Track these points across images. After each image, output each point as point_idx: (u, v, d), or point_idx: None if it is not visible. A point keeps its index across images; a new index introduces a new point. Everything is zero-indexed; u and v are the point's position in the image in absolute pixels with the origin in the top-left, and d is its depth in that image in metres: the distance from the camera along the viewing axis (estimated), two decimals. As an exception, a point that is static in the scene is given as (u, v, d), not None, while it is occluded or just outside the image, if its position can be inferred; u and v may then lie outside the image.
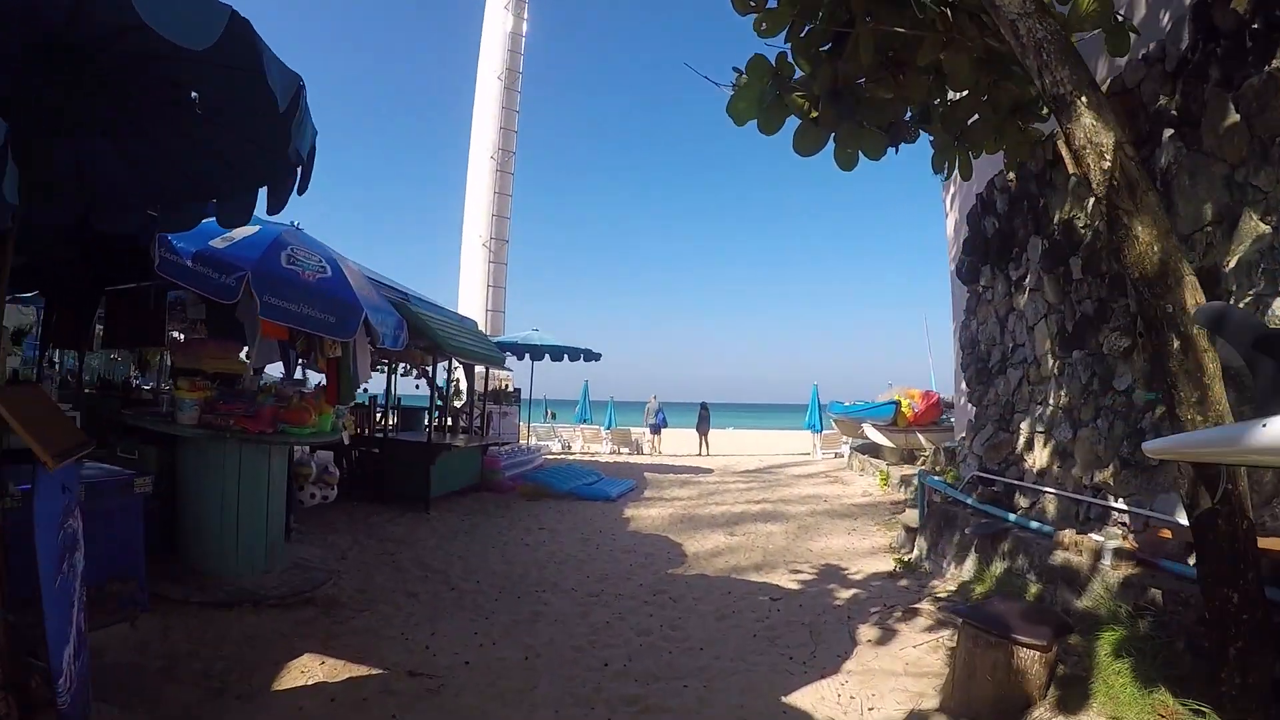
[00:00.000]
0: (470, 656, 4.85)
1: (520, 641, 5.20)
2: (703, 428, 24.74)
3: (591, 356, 16.75)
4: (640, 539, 9.15)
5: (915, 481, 11.36)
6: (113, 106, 3.86)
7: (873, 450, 16.57)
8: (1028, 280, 7.46)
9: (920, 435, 14.32)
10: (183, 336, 8.18)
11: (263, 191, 4.10)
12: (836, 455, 21.64)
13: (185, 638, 4.68)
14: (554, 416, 27.47)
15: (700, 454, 23.80)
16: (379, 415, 12.99)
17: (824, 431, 22.79)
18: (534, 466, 13.87)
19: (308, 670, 4.45)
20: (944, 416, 14.72)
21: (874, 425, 14.83)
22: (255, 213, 4.44)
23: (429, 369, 11.69)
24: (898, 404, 14.21)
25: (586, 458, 20.21)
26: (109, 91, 3.69)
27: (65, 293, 8.32)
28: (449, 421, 14.10)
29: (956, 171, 5.34)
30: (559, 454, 21.69)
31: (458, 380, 13.59)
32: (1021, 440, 7.59)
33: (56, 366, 10.06)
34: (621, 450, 23.06)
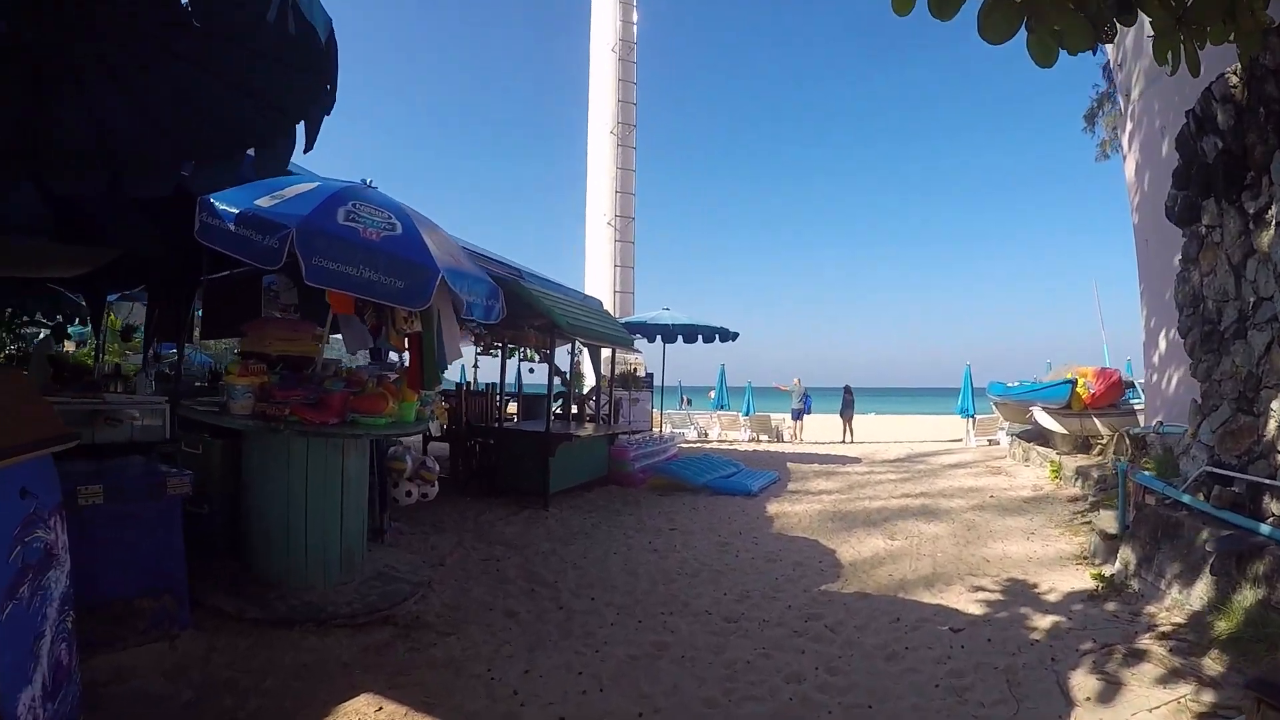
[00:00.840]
0: (568, 710, 3.75)
1: (636, 688, 4.07)
2: (847, 413, 23.17)
3: (728, 336, 15.50)
4: (786, 543, 7.88)
5: (1095, 475, 9.74)
6: (106, 40, 3.49)
7: (1038, 437, 14.65)
8: (1272, 212, 5.65)
9: (1097, 420, 12.40)
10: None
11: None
12: (991, 442, 19.98)
13: (228, 662, 3.95)
14: (689, 403, 26.36)
15: (844, 441, 22.34)
16: (498, 403, 12.20)
17: (977, 416, 20.61)
18: (667, 457, 12.74)
19: (361, 717, 3.49)
20: (1125, 397, 12.68)
21: (1044, 409, 12.90)
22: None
23: (549, 352, 10.67)
24: (1073, 384, 12.23)
25: (724, 446, 18.95)
26: (99, 22, 3.35)
27: (164, 284, 8.16)
28: (573, 410, 13.15)
29: (1133, 102, 3.78)
30: (695, 442, 20.54)
31: (580, 365, 12.57)
32: (1273, 425, 5.78)
33: (163, 360, 9.66)
34: (761, 438, 21.73)
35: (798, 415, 22.73)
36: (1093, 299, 17.47)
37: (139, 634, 3.90)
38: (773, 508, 9.81)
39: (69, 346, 12.79)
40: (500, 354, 12.13)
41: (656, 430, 15.11)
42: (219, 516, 5.39)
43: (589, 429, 11.29)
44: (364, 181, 5.66)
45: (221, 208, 4.43)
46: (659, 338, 15.61)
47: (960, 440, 22.07)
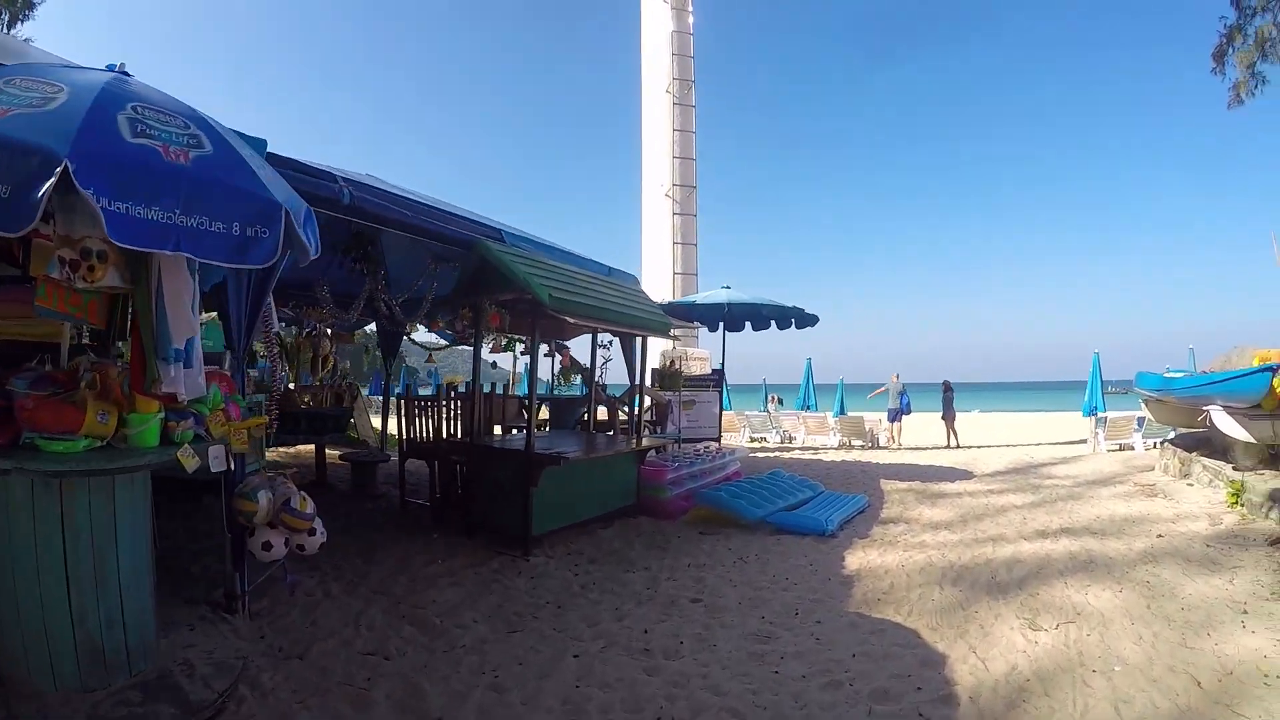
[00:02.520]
0: None
1: None
2: (948, 414, 19.74)
3: (806, 320, 12.36)
4: (866, 636, 4.93)
5: None
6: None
7: (1201, 445, 11.08)
8: None
9: None
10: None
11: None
12: (1123, 447, 16.78)
13: None
14: (780, 403, 23.36)
15: (948, 445, 19.20)
16: (512, 407, 9.58)
17: (1108, 415, 16.99)
18: (722, 477, 9.89)
19: None
20: None
21: (1226, 407, 9.33)
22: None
23: (530, 338, 7.87)
24: (1273, 371, 8.62)
25: (807, 456, 15.90)
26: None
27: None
28: (598, 416, 10.38)
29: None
30: (774, 450, 17.54)
31: (607, 358, 9.77)
32: None
33: None
34: (853, 443, 18.60)
35: (894, 416, 19.39)
36: (1271, 257, 13.13)
37: None
38: (855, 558, 6.86)
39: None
40: (511, 347, 9.52)
41: (711, 445, 12.04)
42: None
43: (606, 444, 8.52)
44: (114, 68, 3.42)
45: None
46: (721, 325, 12.78)
47: (1084, 442, 18.95)
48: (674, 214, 15.67)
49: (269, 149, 4.21)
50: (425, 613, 5.09)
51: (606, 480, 8.03)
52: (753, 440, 19.96)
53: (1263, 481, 8.53)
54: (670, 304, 10.91)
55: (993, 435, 23.41)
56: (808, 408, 21.56)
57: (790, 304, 11.53)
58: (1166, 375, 11.65)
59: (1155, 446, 16.28)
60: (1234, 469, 9.44)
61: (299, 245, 3.36)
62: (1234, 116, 11.92)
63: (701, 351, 13.95)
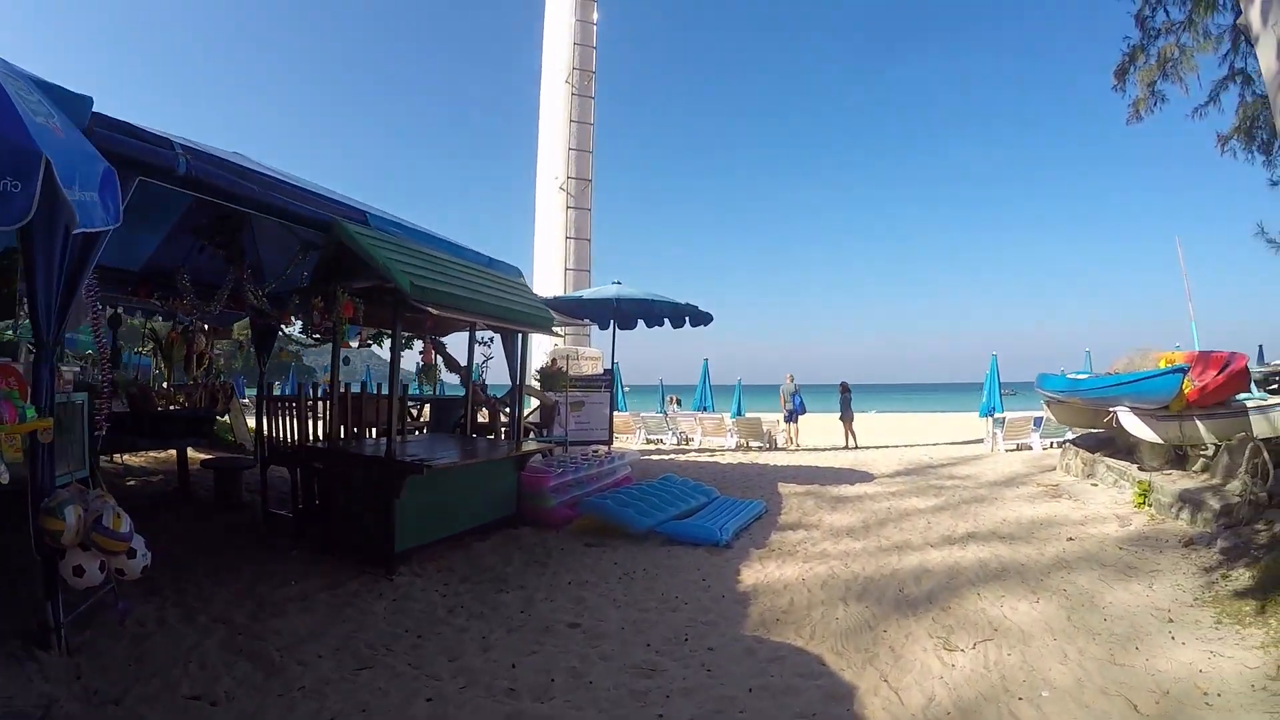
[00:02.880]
0: None
1: None
2: (846, 414, 19.75)
3: (700, 319, 11.90)
4: (765, 665, 4.40)
5: (1215, 504, 7.22)
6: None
7: (1104, 445, 11.15)
8: None
9: (1200, 424, 8.92)
10: None
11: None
12: (1020, 447, 16.83)
13: None
14: (679, 403, 23.01)
15: (847, 446, 19.08)
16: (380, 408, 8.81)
17: (1007, 416, 17.30)
18: (611, 482, 9.33)
19: None
20: (1262, 392, 9.22)
21: (1134, 409, 9.38)
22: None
23: (393, 333, 7.12)
24: (1184, 373, 8.66)
25: (705, 458, 15.52)
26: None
27: None
28: (478, 419, 9.70)
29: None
30: (671, 451, 17.11)
31: (487, 355, 9.07)
32: None
33: None
34: (751, 445, 18.30)
35: (791, 417, 19.23)
36: (1176, 263, 13.19)
37: None
38: (752, 572, 6.36)
39: None
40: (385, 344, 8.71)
41: (600, 448, 11.44)
42: None
43: (484, 449, 7.88)
44: None
45: None
46: (613, 323, 12.24)
47: (982, 442, 19.16)
48: (567, 207, 15.05)
49: (96, 108, 3.71)
50: (266, 645, 4.38)
51: (483, 489, 7.36)
52: (649, 442, 19.51)
53: (1170, 482, 8.46)
54: (556, 299, 10.24)
55: (891, 435, 23.55)
56: (705, 409, 21.26)
57: (683, 301, 11.01)
58: (1071, 377, 11.64)
59: (1053, 446, 16.52)
60: (1139, 469, 9.39)
61: (74, 208, 2.70)
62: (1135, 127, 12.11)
63: (593, 351, 13.39)
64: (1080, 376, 11.31)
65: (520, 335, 8.43)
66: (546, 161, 15.80)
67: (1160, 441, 9.24)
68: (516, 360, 8.65)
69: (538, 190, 15.81)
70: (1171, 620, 4.97)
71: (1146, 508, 8.38)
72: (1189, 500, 7.68)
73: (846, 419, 19.65)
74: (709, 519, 7.79)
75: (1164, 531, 7.44)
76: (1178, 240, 12.97)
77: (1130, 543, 7.13)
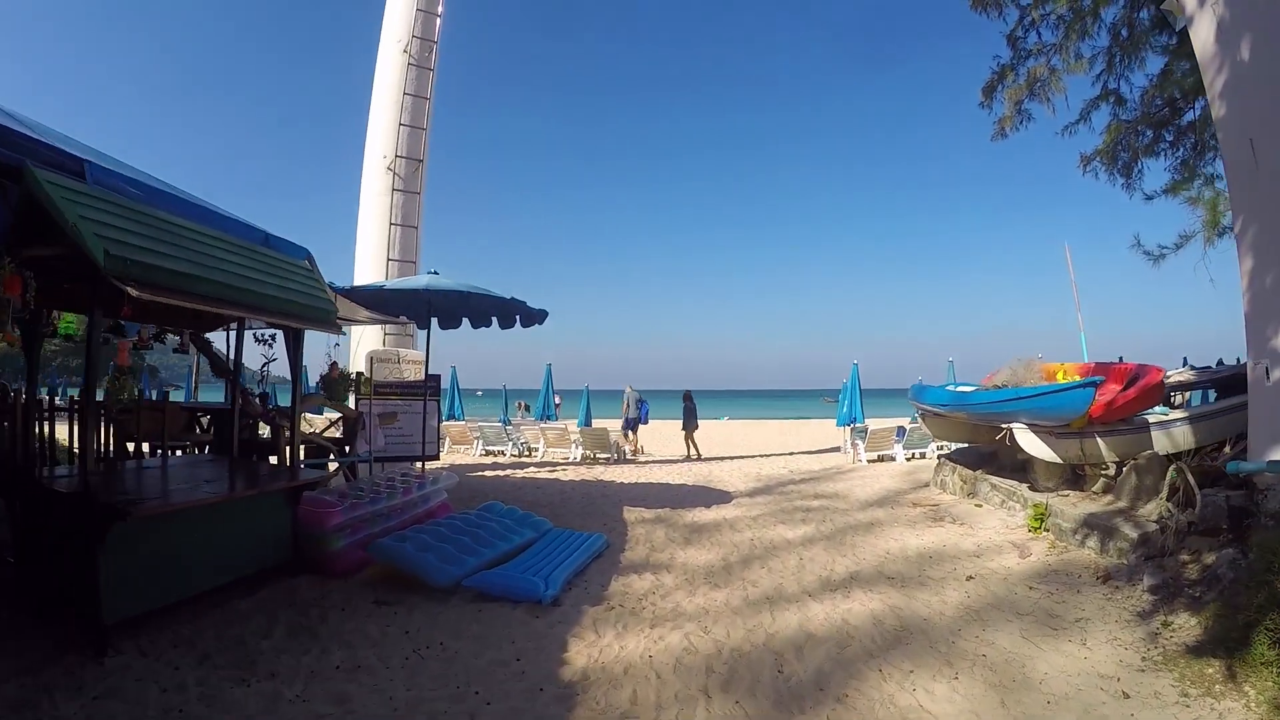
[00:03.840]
0: None
1: None
2: (689, 425, 18.71)
3: (532, 317, 10.08)
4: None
5: (1131, 533, 6.33)
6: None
7: (984, 461, 10.37)
8: None
9: (1101, 442, 8.13)
10: None
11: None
12: (882, 458, 16.09)
13: None
14: (528, 409, 21.45)
15: (688, 457, 18.23)
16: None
17: (869, 427, 16.74)
18: (423, 513, 7.69)
19: None
20: (1164, 407, 8.48)
21: (1033, 425, 8.48)
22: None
23: (90, 318, 5.26)
24: (1096, 386, 7.73)
25: (545, 473, 14.03)
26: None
27: None
28: (257, 434, 7.85)
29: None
30: (510, 464, 15.51)
31: (269, 356, 7.25)
32: None
33: None
34: (599, 457, 16.91)
35: (632, 425, 18.11)
36: (1065, 269, 12.66)
37: None
38: (583, 646, 4.78)
39: None
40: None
41: (413, 469, 9.54)
42: None
43: (247, 478, 6.12)
44: None
45: None
46: (434, 321, 10.54)
47: (838, 450, 18.88)
48: (394, 190, 13.22)
49: None
50: None
51: (242, 531, 5.59)
52: (487, 454, 17.86)
53: (1070, 504, 7.50)
54: (354, 289, 8.32)
55: (744, 444, 22.76)
56: (548, 417, 19.76)
57: (508, 295, 9.30)
58: (956, 390, 10.67)
59: (916, 458, 16.01)
60: (1030, 489, 8.52)
61: None
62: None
63: (416, 354, 11.66)
64: (966, 389, 10.37)
65: (296, 332, 6.68)
66: (376, 138, 13.89)
67: (1058, 460, 8.38)
68: (295, 359, 6.90)
69: (364, 171, 13.89)
70: (1127, 695, 3.86)
71: (1044, 533, 7.43)
72: (1096, 526, 6.76)
73: (689, 429, 18.66)
74: (535, 563, 6.25)
75: (1072, 563, 6.46)
76: (1067, 249, 12.40)
77: (1040, 580, 6.09)
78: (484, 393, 27.35)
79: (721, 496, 10.87)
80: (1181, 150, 10.76)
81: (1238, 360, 8.54)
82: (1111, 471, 8.12)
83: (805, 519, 9.01)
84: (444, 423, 19.62)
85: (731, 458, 18.02)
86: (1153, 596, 5.41)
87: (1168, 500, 6.53)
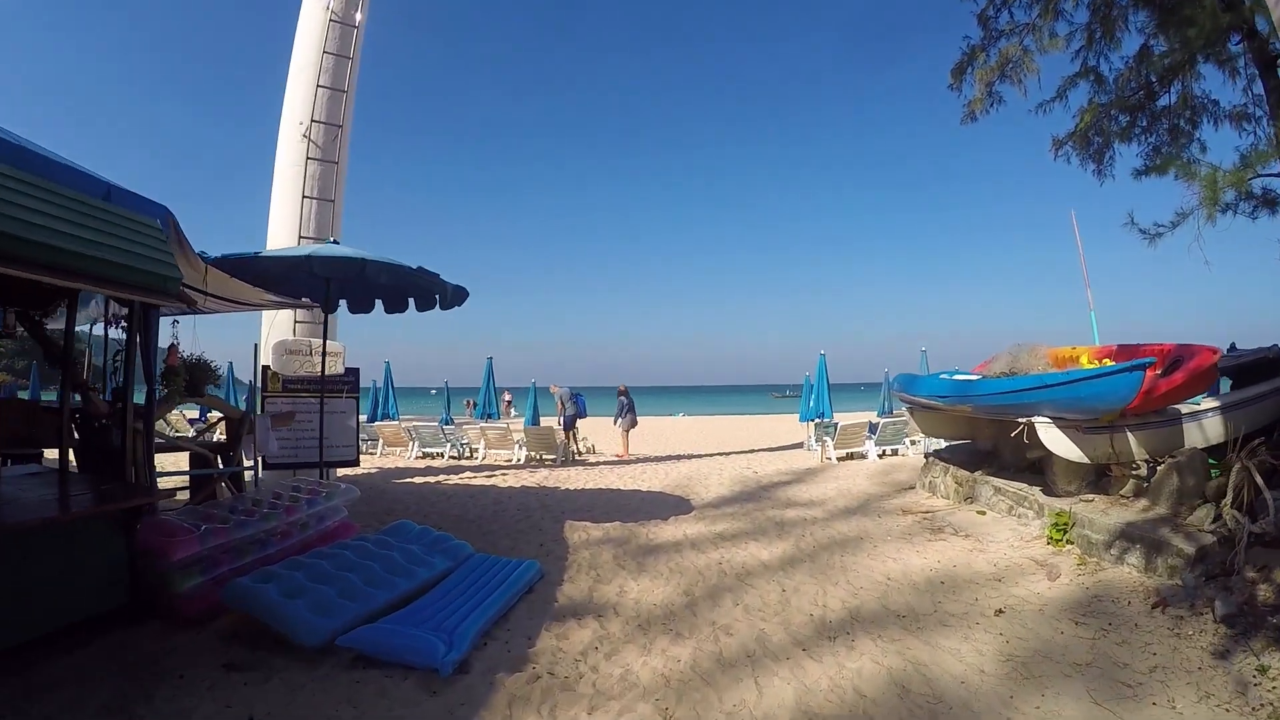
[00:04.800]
0: None
1: None
2: (625, 420, 17.48)
3: (452, 298, 8.24)
4: None
5: (1189, 549, 5.18)
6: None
7: (981, 460, 9.10)
8: None
9: (1132, 436, 6.84)
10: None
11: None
12: (851, 455, 14.84)
13: None
14: (476, 407, 20.00)
15: (624, 454, 17.01)
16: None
17: (839, 423, 15.49)
18: (316, 535, 6.21)
19: None
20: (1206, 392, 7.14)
21: (1062, 418, 6.96)
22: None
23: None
24: (1145, 369, 6.24)
25: (483, 478, 12.58)
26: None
27: None
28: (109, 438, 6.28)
29: None
30: (444, 469, 14.01)
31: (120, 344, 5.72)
32: None
33: None
34: (545, 459, 15.48)
35: (570, 424, 16.78)
36: (1071, 237, 11.20)
37: None
38: None
39: None
40: None
41: (303, 484, 7.50)
42: None
43: (43, 501, 4.62)
44: None
45: None
46: (342, 304, 9.06)
47: (800, 446, 17.71)
48: (308, 159, 11.66)
49: None
50: None
51: (52, 568, 4.13)
52: (424, 456, 16.33)
53: (1098, 512, 6.23)
54: (222, 258, 6.56)
55: (701, 441, 21.55)
56: (489, 416, 18.25)
57: (415, 265, 7.39)
58: (959, 379, 9.05)
59: (888, 454, 14.89)
60: (1044, 493, 7.26)
61: None
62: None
63: (333, 344, 10.16)
64: (968, 378, 8.90)
65: (145, 309, 5.19)
66: (294, 101, 12.29)
67: (1085, 460, 7.08)
68: (150, 348, 5.41)
69: (280, 138, 12.27)
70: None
71: (1067, 546, 6.22)
72: (1137, 539, 5.52)
73: (624, 426, 17.45)
74: (444, 607, 4.80)
75: (1113, 586, 5.22)
76: (1073, 215, 11.12)
77: (1084, 611, 4.85)
78: (438, 391, 25.80)
79: (680, 505, 9.53)
80: (1155, 135, 10.13)
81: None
82: (1142, 471, 6.91)
83: (781, 533, 7.65)
84: (377, 423, 18.08)
85: (689, 457, 16.74)
86: (1229, 630, 4.31)
87: (1232, 505, 5.33)
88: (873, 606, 5.21)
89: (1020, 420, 7.14)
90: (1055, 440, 6.80)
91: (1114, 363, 7.37)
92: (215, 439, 9.13)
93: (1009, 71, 10.28)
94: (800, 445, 18.19)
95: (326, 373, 10.24)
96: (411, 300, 8.35)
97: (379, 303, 8.88)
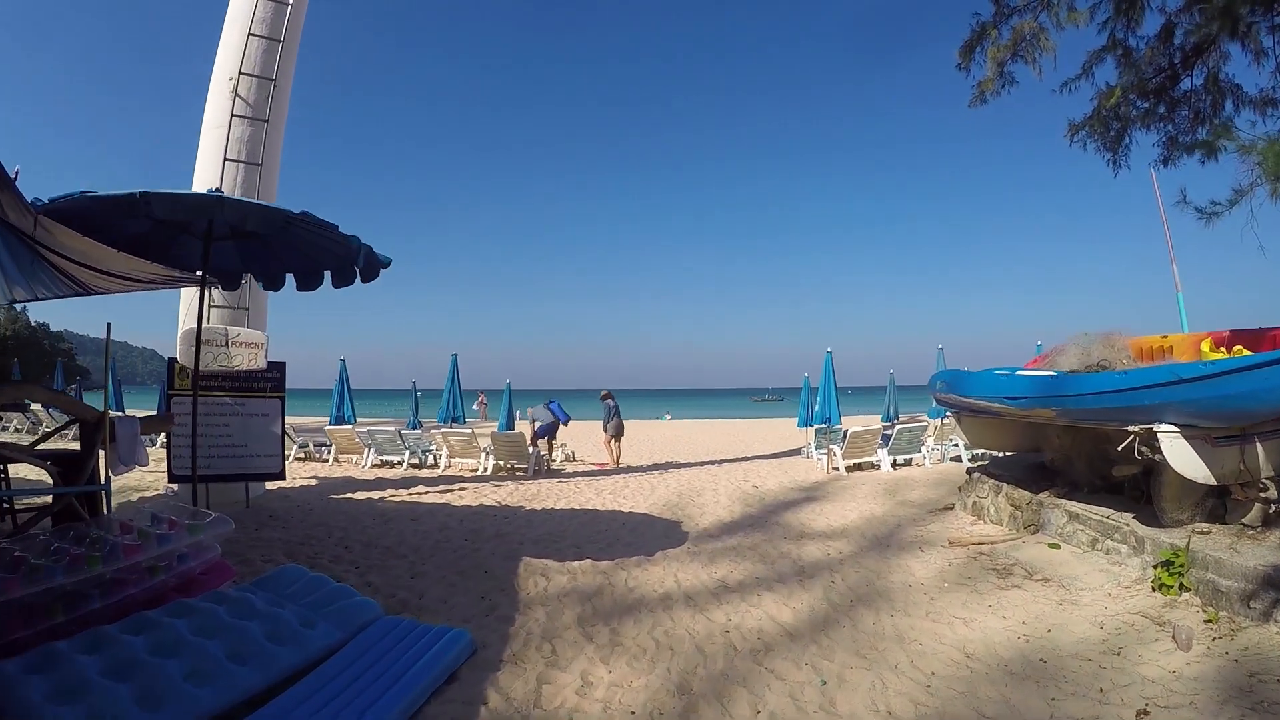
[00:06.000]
0: None
1: None
2: (615, 428, 16.04)
3: (369, 268, 6.25)
4: None
5: None
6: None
7: (1038, 476, 7.40)
8: None
9: (1262, 448, 5.02)
10: None
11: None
12: (860, 466, 13.39)
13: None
14: (485, 405, 18.39)
15: (614, 462, 15.67)
16: None
17: (848, 430, 13.88)
18: (168, 582, 4.51)
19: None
20: None
21: (1193, 426, 5.01)
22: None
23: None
24: None
25: (437, 492, 10.88)
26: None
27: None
28: None
29: None
30: (397, 480, 12.29)
31: None
32: None
33: None
34: (516, 470, 13.76)
35: (546, 432, 15.05)
36: (1152, 197, 9.36)
37: None
38: None
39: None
40: None
41: (165, 511, 5.44)
42: None
43: None
44: None
45: None
46: (252, 281, 7.37)
47: (800, 454, 16.37)
48: (233, 116, 9.86)
49: None
50: None
51: None
52: (382, 465, 14.57)
53: (1226, 550, 4.67)
54: (50, 202, 4.64)
55: (691, 448, 20.30)
56: (453, 420, 16.51)
57: (298, 210, 5.37)
58: (1039, 375, 6.73)
59: (902, 465, 13.35)
60: (1140, 521, 5.62)
61: None
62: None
63: (254, 334, 8.38)
64: (1045, 374, 6.69)
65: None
66: (226, 53, 10.54)
67: (1209, 480, 5.24)
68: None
69: (209, 95, 10.52)
70: None
71: (1183, 594, 4.64)
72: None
73: (614, 435, 15.97)
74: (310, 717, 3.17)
75: (1265, 658, 3.71)
76: (1153, 174, 9.42)
77: (1253, 705, 3.28)
78: (424, 393, 24.19)
79: (671, 534, 7.83)
80: (1174, 124, 9.68)
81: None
82: (1271, 493, 5.24)
83: (802, 579, 5.90)
84: (330, 427, 16.36)
85: (679, 466, 15.11)
86: None
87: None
88: (960, 711, 3.48)
89: (1131, 429, 5.38)
90: (1181, 455, 5.00)
91: (1248, 351, 5.70)
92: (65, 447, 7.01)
93: (1023, 50, 9.60)
94: (798, 452, 16.71)
95: (246, 367, 8.59)
96: (329, 274, 6.65)
97: (290, 278, 7.17)
